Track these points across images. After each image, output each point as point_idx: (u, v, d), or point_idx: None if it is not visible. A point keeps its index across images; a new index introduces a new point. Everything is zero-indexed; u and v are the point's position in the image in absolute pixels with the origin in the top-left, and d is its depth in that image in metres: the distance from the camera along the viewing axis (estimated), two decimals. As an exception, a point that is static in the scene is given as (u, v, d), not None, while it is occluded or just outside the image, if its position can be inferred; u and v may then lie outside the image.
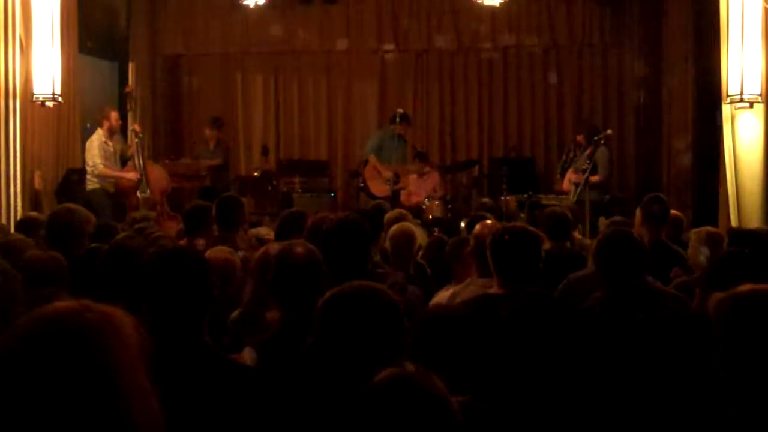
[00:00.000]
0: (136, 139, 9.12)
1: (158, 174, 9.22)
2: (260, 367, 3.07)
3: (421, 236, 5.74)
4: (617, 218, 6.39)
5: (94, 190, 8.98)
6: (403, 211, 6.34)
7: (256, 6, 10.07)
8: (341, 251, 3.64)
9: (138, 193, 8.96)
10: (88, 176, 9.03)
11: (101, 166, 8.95)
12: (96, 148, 8.96)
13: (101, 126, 9.10)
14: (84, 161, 9.16)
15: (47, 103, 8.27)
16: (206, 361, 2.67)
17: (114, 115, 9.22)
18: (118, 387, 1.33)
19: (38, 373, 1.30)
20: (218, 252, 4.59)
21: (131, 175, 9.01)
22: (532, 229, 3.90)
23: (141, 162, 9.06)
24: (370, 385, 1.76)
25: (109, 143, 9.09)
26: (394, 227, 5.28)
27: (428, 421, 1.71)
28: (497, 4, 9.59)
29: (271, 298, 3.70)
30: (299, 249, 3.30)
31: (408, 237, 5.17)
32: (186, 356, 2.57)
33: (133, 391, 1.35)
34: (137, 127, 9.36)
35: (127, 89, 9.96)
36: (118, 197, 9.07)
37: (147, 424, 1.38)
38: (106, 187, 9.05)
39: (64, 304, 1.40)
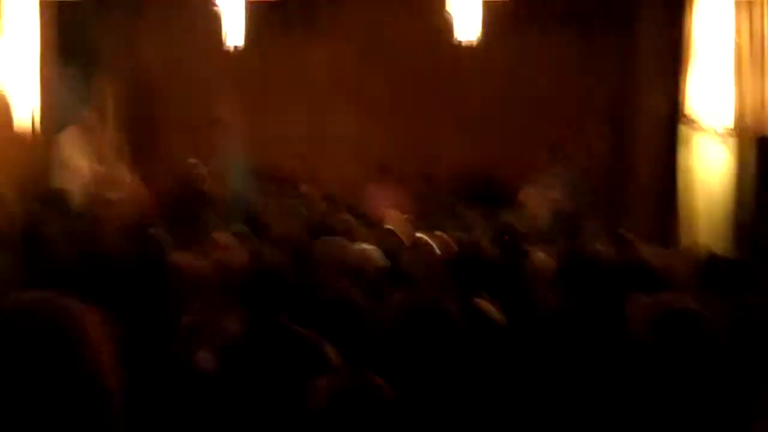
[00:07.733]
0: None
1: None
2: (222, 372, 3.16)
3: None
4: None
5: None
6: None
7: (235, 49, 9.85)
8: None
9: None
10: None
11: None
12: None
13: None
14: None
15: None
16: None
17: None
18: (84, 362, 1.51)
19: (14, 351, 1.47)
20: (182, 257, 4.67)
21: None
22: None
23: None
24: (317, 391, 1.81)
25: None
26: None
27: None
28: (473, 42, 9.57)
29: (229, 305, 3.79)
30: (269, 258, 3.36)
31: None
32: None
33: (97, 368, 1.52)
34: None
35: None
36: None
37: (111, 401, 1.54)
38: None
39: (35, 293, 1.58)
